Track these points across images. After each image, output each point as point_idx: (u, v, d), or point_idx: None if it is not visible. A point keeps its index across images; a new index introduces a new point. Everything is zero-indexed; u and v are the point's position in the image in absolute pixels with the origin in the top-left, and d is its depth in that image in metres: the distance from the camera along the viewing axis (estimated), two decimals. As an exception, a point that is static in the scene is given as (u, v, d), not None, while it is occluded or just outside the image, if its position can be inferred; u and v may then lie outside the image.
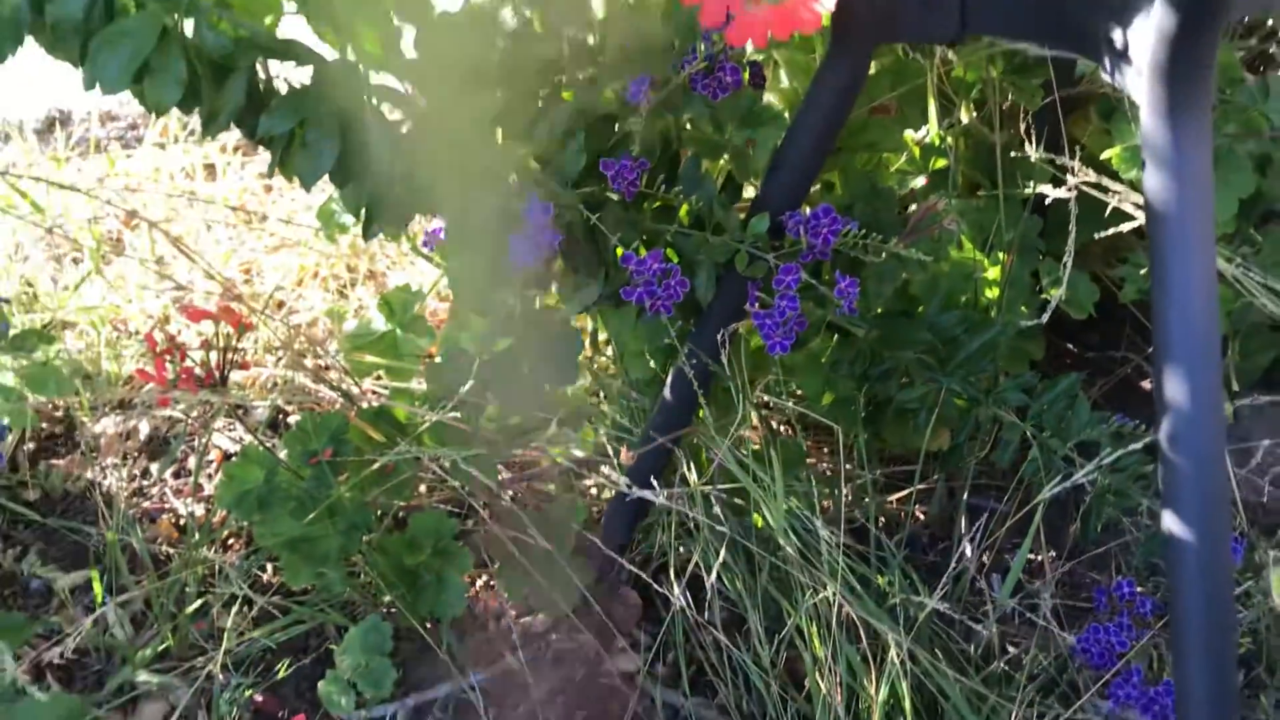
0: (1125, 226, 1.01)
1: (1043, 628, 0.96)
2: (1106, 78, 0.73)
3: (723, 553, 0.93)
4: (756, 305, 0.88)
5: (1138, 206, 0.96)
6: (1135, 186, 1.00)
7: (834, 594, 0.87)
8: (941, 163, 1.10)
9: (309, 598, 1.11)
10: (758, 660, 0.96)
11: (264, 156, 1.83)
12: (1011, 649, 0.98)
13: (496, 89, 0.87)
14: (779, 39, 0.75)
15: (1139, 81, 0.69)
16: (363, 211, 0.89)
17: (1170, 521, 0.70)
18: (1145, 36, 0.67)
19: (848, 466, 1.10)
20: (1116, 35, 0.70)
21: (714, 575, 0.94)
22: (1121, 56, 0.71)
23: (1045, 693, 0.92)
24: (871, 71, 1.09)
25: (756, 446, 1.07)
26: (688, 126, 0.90)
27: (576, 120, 0.86)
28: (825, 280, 0.90)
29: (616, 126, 0.89)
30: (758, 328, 0.87)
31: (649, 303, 0.84)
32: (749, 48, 0.99)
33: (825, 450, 1.18)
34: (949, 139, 1.11)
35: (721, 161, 0.95)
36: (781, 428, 1.16)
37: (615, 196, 0.89)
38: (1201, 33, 0.63)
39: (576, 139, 0.85)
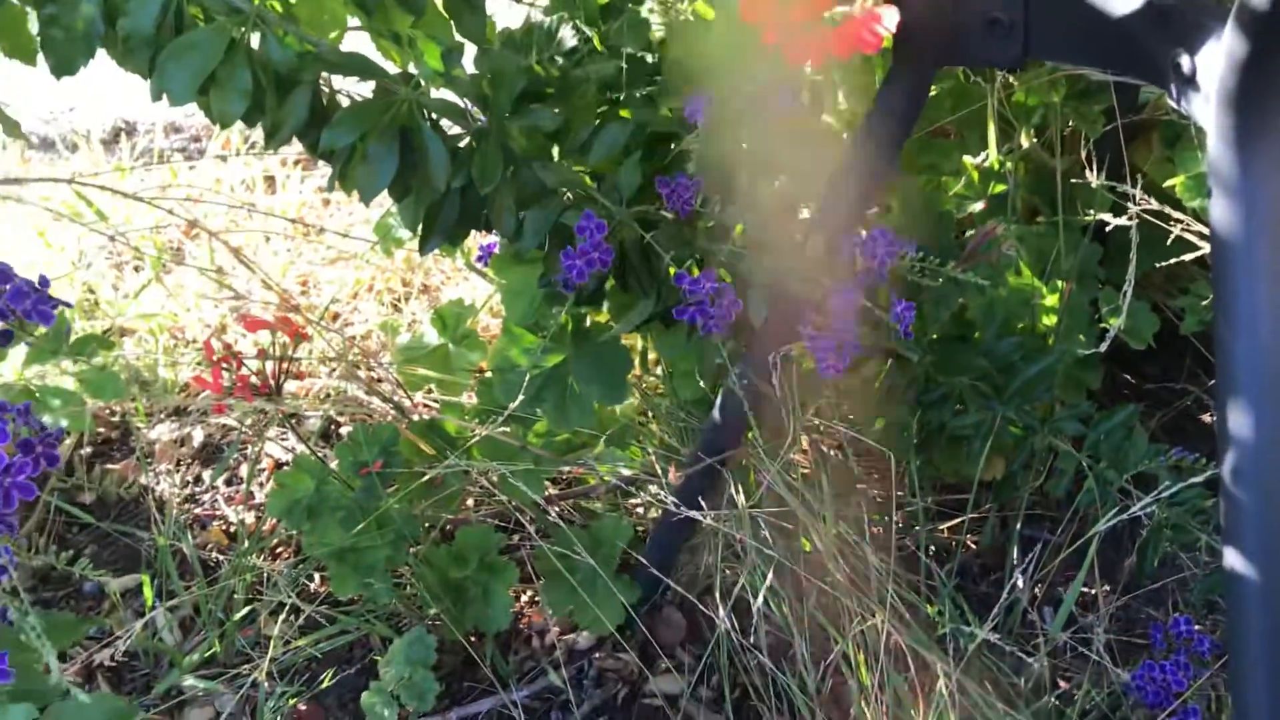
0: (1187, 256, 0.99)
1: (1095, 663, 0.94)
2: (1173, 104, 0.72)
3: (770, 576, 0.92)
4: (810, 327, 0.87)
5: (1201, 236, 0.95)
6: (1198, 216, 0.98)
7: (882, 622, 0.86)
8: (1000, 188, 1.09)
9: (355, 608, 1.11)
10: (803, 686, 0.95)
11: (323, 170, 1.85)
12: (1063, 684, 0.96)
13: (554, 106, 0.87)
14: (839, 58, 0.74)
15: (1207, 108, 0.68)
16: (419, 226, 0.89)
17: (1232, 558, 0.68)
18: (1214, 62, 0.66)
19: (899, 493, 1.08)
20: (1184, 61, 0.69)
21: (760, 599, 0.93)
22: (1189, 83, 0.69)
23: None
24: (931, 94, 1.08)
25: (806, 470, 1.06)
26: (744, 147, 0.90)
27: (634, 138, 0.86)
28: (881, 304, 0.89)
29: (673, 145, 0.89)
30: (811, 350, 0.87)
31: (701, 322, 0.84)
32: (808, 67, 0.98)
33: (876, 476, 1.16)
34: (1008, 164, 1.10)
35: (778, 183, 0.94)
36: (832, 452, 1.14)
37: (670, 215, 0.89)
38: (1274, 59, 0.62)
39: (633, 156, 0.85)
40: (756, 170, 0.90)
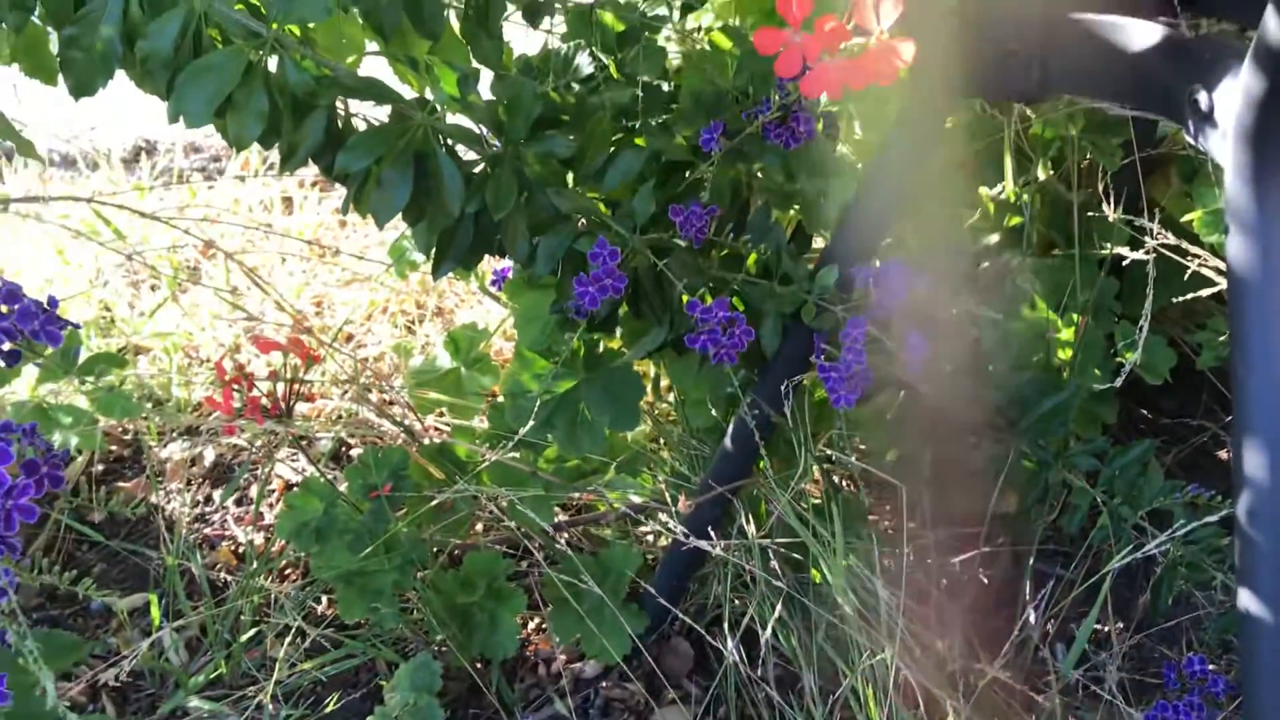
0: (1204, 291, 0.98)
1: (1108, 702, 0.92)
2: (1189, 140, 0.72)
3: (779, 607, 0.91)
4: (823, 358, 0.87)
5: (1218, 272, 0.94)
6: (1216, 251, 0.97)
7: (892, 657, 0.85)
8: (1016, 220, 1.09)
9: (361, 632, 1.11)
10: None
11: (340, 192, 1.86)
12: (1075, 723, 0.94)
13: (570, 133, 0.87)
14: (855, 90, 0.74)
15: (1224, 145, 0.67)
16: (433, 250, 0.89)
17: (1246, 599, 0.67)
18: (1232, 99, 0.65)
19: (911, 525, 1.08)
20: (1201, 97, 0.69)
21: (769, 630, 0.92)
22: (1206, 119, 0.69)
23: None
24: (948, 125, 1.08)
25: (817, 501, 1.05)
26: (759, 175, 0.90)
27: (648, 166, 0.86)
28: (895, 337, 0.89)
29: (687, 173, 0.89)
30: (823, 381, 0.86)
31: (713, 350, 0.83)
32: (824, 99, 0.98)
33: (888, 508, 1.16)
34: (1025, 196, 1.10)
35: (792, 212, 0.94)
36: (844, 483, 1.14)
37: (683, 243, 0.89)
38: (1292, 97, 0.61)
39: (647, 184, 0.85)
40: (770, 199, 0.90)
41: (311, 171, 1.90)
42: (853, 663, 0.90)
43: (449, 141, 0.85)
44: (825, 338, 0.88)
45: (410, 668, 1.05)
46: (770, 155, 0.88)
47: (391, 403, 1.33)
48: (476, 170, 0.86)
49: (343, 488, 1.07)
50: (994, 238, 1.09)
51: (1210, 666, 0.92)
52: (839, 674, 0.95)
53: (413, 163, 0.83)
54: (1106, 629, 1.04)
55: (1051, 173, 1.12)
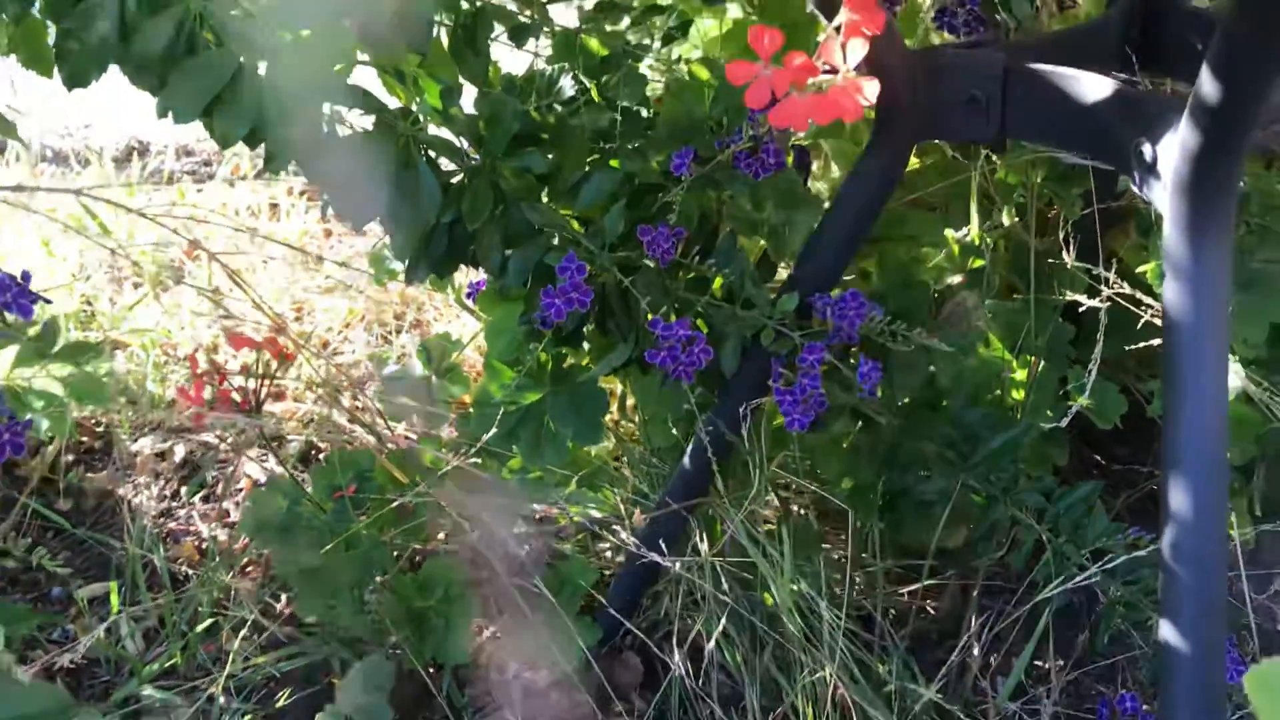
0: (1156, 341, 1.01)
1: (1042, 734, 0.95)
2: (1135, 190, 0.75)
3: (723, 621, 0.93)
4: (780, 382, 0.90)
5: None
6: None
7: (831, 675, 0.87)
8: (979, 263, 1.12)
9: (318, 630, 1.12)
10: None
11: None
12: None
13: (548, 151, 0.90)
14: (819, 124, 0.77)
15: (1164, 195, 0.71)
16: (408, 256, 0.92)
17: (1167, 631, 0.70)
18: (1171, 152, 0.69)
19: (861, 554, 1.10)
20: (1146, 149, 0.72)
21: (713, 643, 0.94)
22: (1150, 170, 0.72)
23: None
24: (919, 166, 1.12)
25: (771, 526, 1.08)
26: (728, 203, 0.93)
27: (621, 187, 0.89)
28: (851, 365, 0.91)
29: (659, 196, 0.92)
30: (778, 403, 0.89)
31: (671, 367, 0.86)
32: (794, 132, 1.02)
33: (841, 537, 1.18)
34: (989, 240, 1.13)
35: (758, 240, 0.97)
36: (798, 510, 1.16)
37: (651, 263, 0.92)
38: (1224, 152, 0.65)
39: (619, 203, 0.87)
40: (738, 226, 0.93)
41: (299, 181, 1.93)
42: (795, 681, 0.92)
43: (430, 152, 0.87)
44: (783, 362, 0.91)
45: (363, 667, 1.07)
46: (739, 183, 0.91)
47: (363, 409, 1.35)
48: (455, 181, 0.88)
49: (309, 488, 1.08)
50: (957, 278, 1.12)
51: (1144, 706, 0.95)
52: (782, 693, 0.97)
53: (393, 171, 0.86)
54: (1047, 666, 1.07)
55: (1016, 219, 1.15)
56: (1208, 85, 0.62)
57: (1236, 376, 1.01)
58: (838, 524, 1.18)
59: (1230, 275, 0.68)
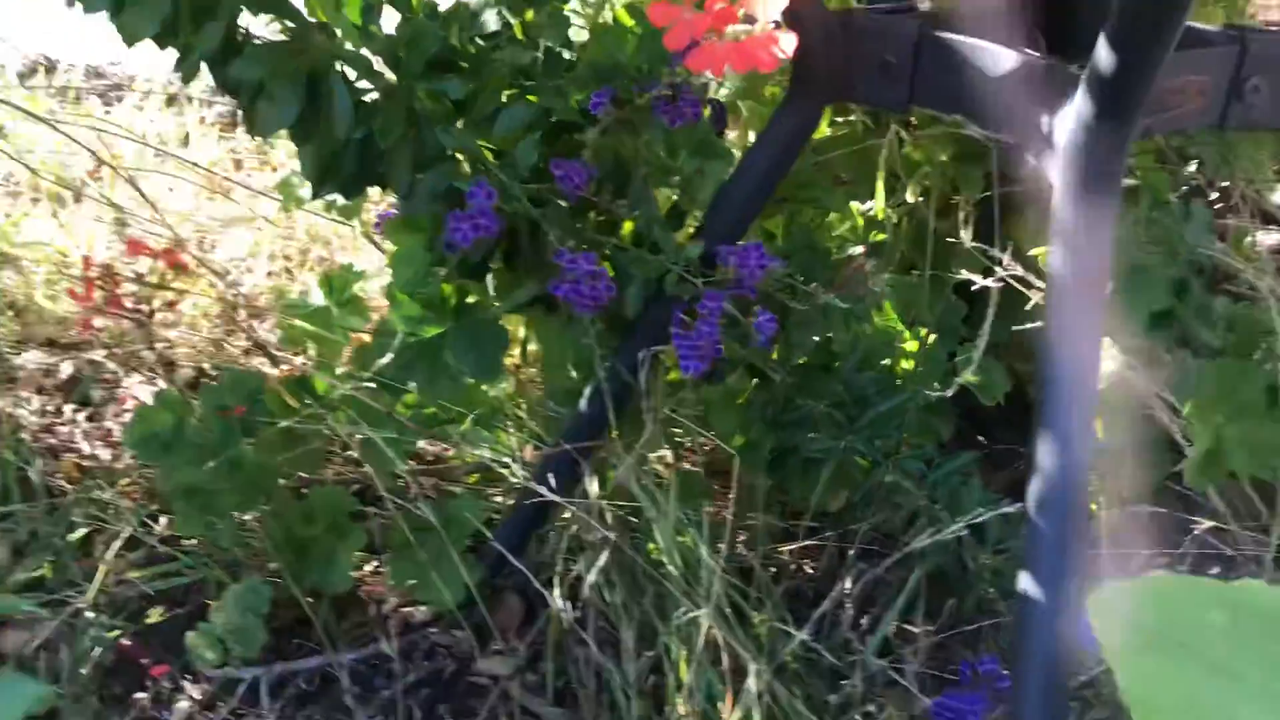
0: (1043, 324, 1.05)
1: (904, 690, 0.98)
2: (1031, 159, 0.78)
3: (602, 558, 0.95)
4: (679, 327, 0.91)
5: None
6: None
7: (705, 615, 0.89)
8: (881, 236, 1.15)
9: (196, 550, 1.11)
10: (625, 679, 0.97)
11: (241, 136, 1.85)
12: (872, 707, 0.99)
13: (466, 81, 0.90)
14: (736, 71, 0.79)
15: (1057, 163, 0.74)
16: (316, 173, 0.91)
17: (1025, 582, 0.73)
18: (1067, 122, 0.71)
19: (749, 514, 1.12)
20: (1044, 121, 0.75)
21: (592, 580, 0.95)
22: (1046, 140, 0.75)
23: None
24: (831, 135, 1.14)
25: (662, 473, 1.09)
26: (643, 148, 0.94)
27: (538, 121, 0.89)
28: (751, 319, 0.93)
29: (575, 136, 0.92)
30: (676, 348, 0.90)
31: (574, 300, 0.87)
32: (714, 86, 1.03)
33: (729, 493, 1.20)
34: (893, 215, 1.16)
35: (670, 189, 0.98)
36: (690, 464, 1.18)
37: (563, 200, 0.92)
38: (1116, 121, 0.68)
39: (534, 135, 0.88)
40: (649, 171, 0.94)
41: (213, 111, 1.89)
42: (671, 622, 0.93)
43: (344, 68, 0.87)
44: (685, 309, 0.92)
45: (239, 589, 1.05)
46: (655, 129, 0.92)
47: (261, 345, 1.33)
48: (368, 100, 0.88)
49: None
50: (859, 249, 1.15)
51: (1003, 670, 0.98)
52: (658, 635, 0.98)
53: (305, 83, 0.85)
54: (918, 630, 1.10)
55: (920, 198, 1.18)
56: (1103, 55, 0.64)
57: (1114, 361, 1.06)
58: (727, 480, 1.20)
59: (1111, 242, 0.71)
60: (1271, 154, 1.02)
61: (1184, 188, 1.18)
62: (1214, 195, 1.25)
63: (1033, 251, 1.10)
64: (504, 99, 0.89)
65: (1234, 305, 1.19)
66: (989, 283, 1.03)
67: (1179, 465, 1.05)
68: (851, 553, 1.07)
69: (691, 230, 0.97)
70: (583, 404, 1.03)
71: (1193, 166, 1.18)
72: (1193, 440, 1.00)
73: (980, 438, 1.36)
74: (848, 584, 1.07)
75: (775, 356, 1.04)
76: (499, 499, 1.19)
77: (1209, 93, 0.76)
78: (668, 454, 1.16)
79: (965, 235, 1.06)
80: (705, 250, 0.91)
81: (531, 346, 1.20)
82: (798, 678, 0.97)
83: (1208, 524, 1.06)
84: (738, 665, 0.92)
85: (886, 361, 1.09)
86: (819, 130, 1.13)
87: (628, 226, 0.94)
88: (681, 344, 0.89)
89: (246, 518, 1.13)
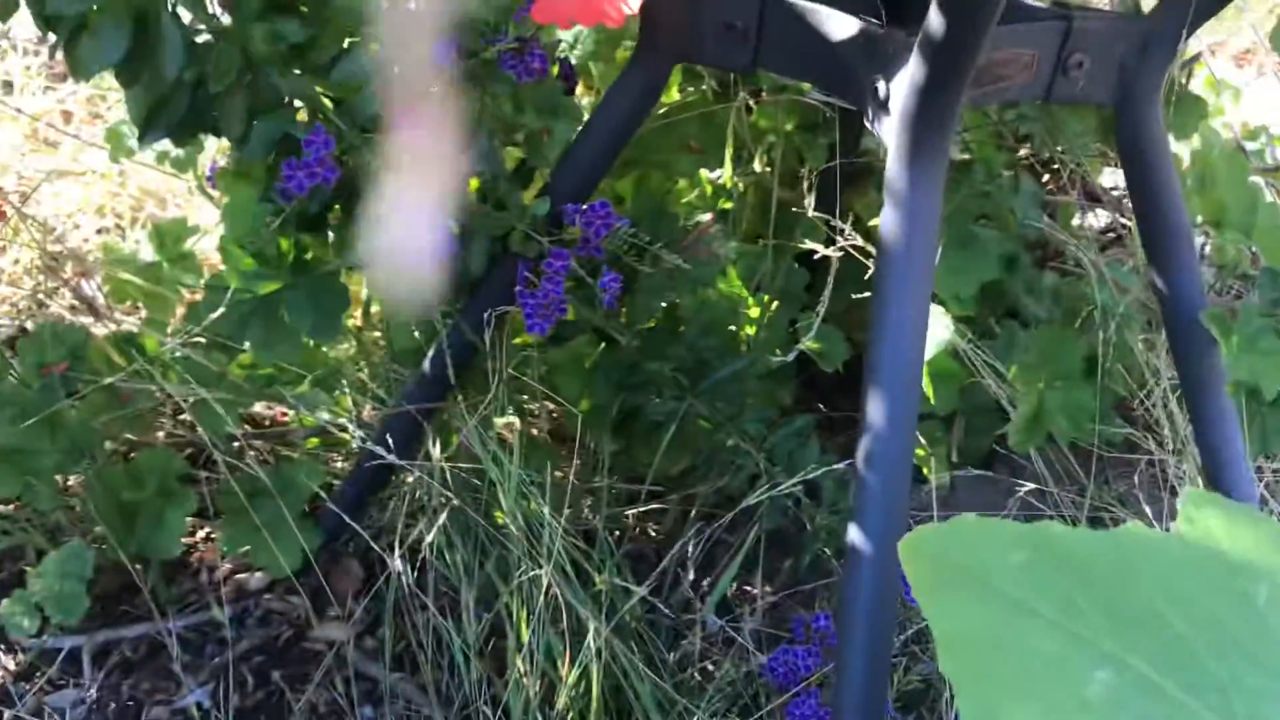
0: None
1: (741, 648, 1.00)
2: (869, 126, 0.80)
3: (441, 519, 0.94)
4: (524, 285, 0.90)
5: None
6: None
7: (546, 574, 0.89)
8: (728, 204, 1.16)
9: (14, 514, 1.05)
10: (465, 642, 0.96)
11: (70, 87, 1.76)
12: (711, 666, 1.01)
13: (305, 25, 0.87)
14: (583, 25, 0.78)
15: (891, 129, 0.76)
16: (144, 118, 0.87)
17: (854, 534, 0.75)
18: (901, 88, 0.73)
19: (595, 478, 1.13)
20: (880, 86, 0.77)
21: (431, 541, 0.94)
22: (882, 107, 0.77)
23: (731, 704, 0.96)
24: (681, 101, 1.15)
25: (506, 435, 1.08)
26: (489, 103, 0.92)
27: (380, 68, 0.87)
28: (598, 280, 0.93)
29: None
30: (521, 306, 0.89)
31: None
32: (564, 44, 1.03)
33: (574, 458, 1.20)
34: (740, 184, 1.18)
35: (517, 147, 0.97)
36: (535, 427, 1.18)
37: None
38: (947, 86, 0.70)
39: (375, 83, 0.86)
40: (496, 127, 0.93)
41: (37, 60, 1.78)
42: (512, 584, 0.93)
43: (177, 7, 0.83)
44: (530, 268, 0.92)
45: (60, 554, 1.01)
46: (502, 84, 0.91)
47: (87, 302, 1.26)
48: (201, 40, 0.84)
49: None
50: (707, 217, 1.16)
51: (835, 627, 1.01)
52: (499, 596, 0.98)
53: (131, 19, 0.81)
54: (756, 590, 1.12)
55: (767, 167, 1.20)
56: (935, 21, 0.66)
57: (946, 330, 1.10)
58: (574, 444, 1.21)
59: (940, 206, 0.74)
60: (1094, 131, 1.07)
61: (1016, 164, 1.23)
62: (1046, 176, 1.31)
63: (873, 222, 1.13)
64: (345, 46, 0.87)
65: (1061, 279, 1.25)
66: (830, 252, 1.06)
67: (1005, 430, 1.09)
68: (693, 514, 1.09)
69: (539, 190, 0.97)
70: (425, 364, 1.02)
71: (1026, 150, 1.23)
72: (1017, 405, 1.04)
73: (820, 404, 1.39)
74: (690, 546, 1.09)
75: (623, 320, 1.05)
76: (340, 463, 1.16)
77: (1035, 66, 0.79)
78: (515, 418, 1.15)
79: (809, 204, 1.08)
80: (552, 209, 0.90)
81: (375, 308, 1.17)
82: (638, 637, 0.98)
83: (1030, 486, 1.10)
84: (581, 627, 0.92)
85: (731, 328, 1.11)
86: (669, 94, 1.14)
87: (474, 183, 0.93)
88: (526, 303, 0.89)
89: (70, 481, 1.08)
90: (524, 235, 0.89)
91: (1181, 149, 1.16)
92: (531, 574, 0.90)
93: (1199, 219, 1.06)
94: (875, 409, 0.73)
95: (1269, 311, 0.87)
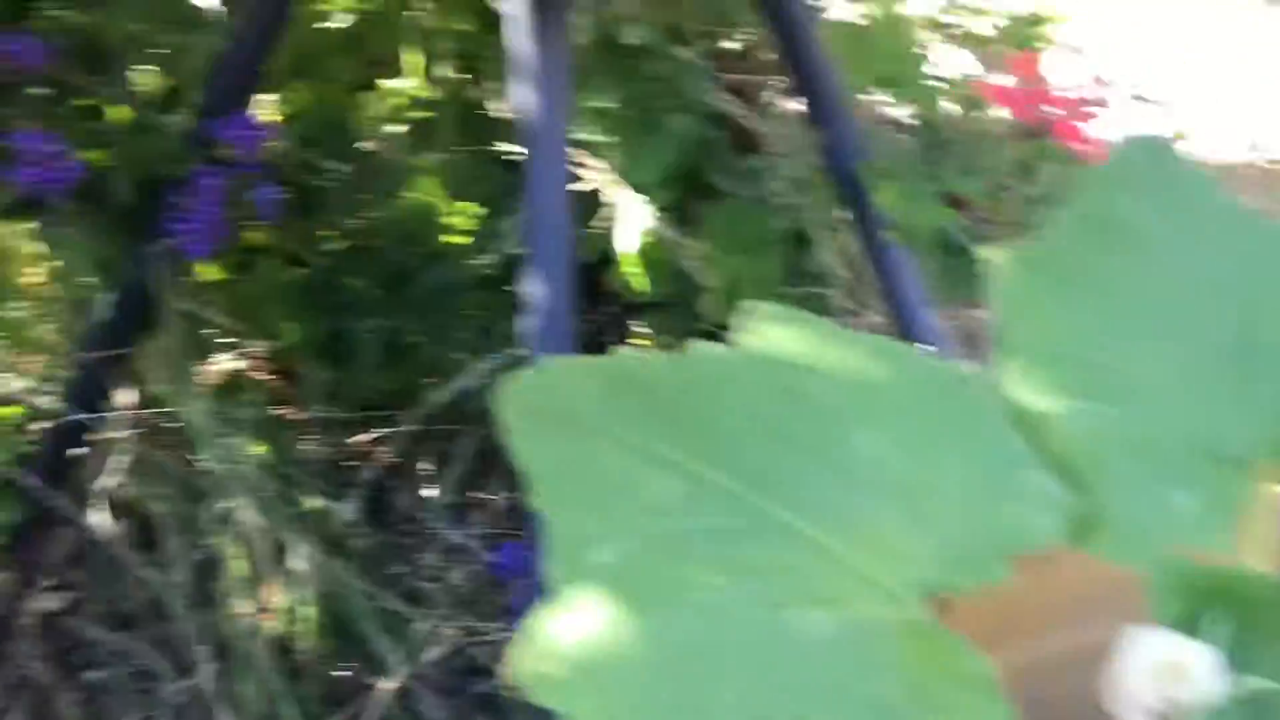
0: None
1: (471, 552, 1.00)
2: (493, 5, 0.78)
3: (126, 463, 0.90)
4: (180, 210, 0.86)
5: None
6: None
7: (247, 506, 0.86)
8: (419, 114, 1.13)
9: None
10: (181, 592, 0.93)
11: None
12: (440, 570, 1.01)
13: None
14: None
15: (518, 6, 0.75)
16: None
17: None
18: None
19: (316, 410, 1.10)
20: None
21: (126, 491, 0.90)
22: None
23: (463, 605, 0.96)
24: (359, 11, 1.11)
25: (212, 379, 1.04)
26: (114, 23, 0.87)
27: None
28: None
29: (37, 9, 0.84)
30: (179, 232, 0.85)
31: (46, 187, 0.80)
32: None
33: (290, 391, 1.17)
34: (433, 92, 1.15)
35: (157, 67, 0.92)
36: (250, 368, 1.14)
37: (35, 90, 0.85)
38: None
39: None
40: (129, 49, 0.87)
41: None
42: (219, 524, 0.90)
43: None
44: (187, 192, 0.87)
45: None
46: (129, 2, 0.85)
47: None
48: None
49: None
50: (401, 128, 1.13)
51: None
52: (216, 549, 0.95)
53: None
54: (497, 497, 1.12)
55: (463, 74, 1.18)
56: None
57: (649, 219, 1.11)
58: (293, 378, 1.17)
59: (568, 76, 0.73)
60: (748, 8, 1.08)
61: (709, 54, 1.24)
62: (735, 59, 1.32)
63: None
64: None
65: (763, 160, 1.27)
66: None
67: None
68: (418, 429, 1.07)
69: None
70: (104, 311, 0.96)
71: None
72: (713, 280, 1.06)
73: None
74: (418, 463, 1.08)
75: (313, 242, 1.02)
76: (33, 427, 1.10)
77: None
78: (226, 357, 1.11)
79: (500, 107, 1.07)
80: (199, 128, 0.86)
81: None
82: (362, 557, 0.97)
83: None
84: (281, 541, 0.90)
85: (434, 238, 1.09)
86: (340, 2, 1.10)
87: (116, 111, 0.87)
88: (183, 227, 0.85)
89: None
90: (171, 159, 0.85)
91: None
92: (231, 506, 0.87)
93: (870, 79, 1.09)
94: (535, 286, 0.73)
95: (922, 161, 0.91)
